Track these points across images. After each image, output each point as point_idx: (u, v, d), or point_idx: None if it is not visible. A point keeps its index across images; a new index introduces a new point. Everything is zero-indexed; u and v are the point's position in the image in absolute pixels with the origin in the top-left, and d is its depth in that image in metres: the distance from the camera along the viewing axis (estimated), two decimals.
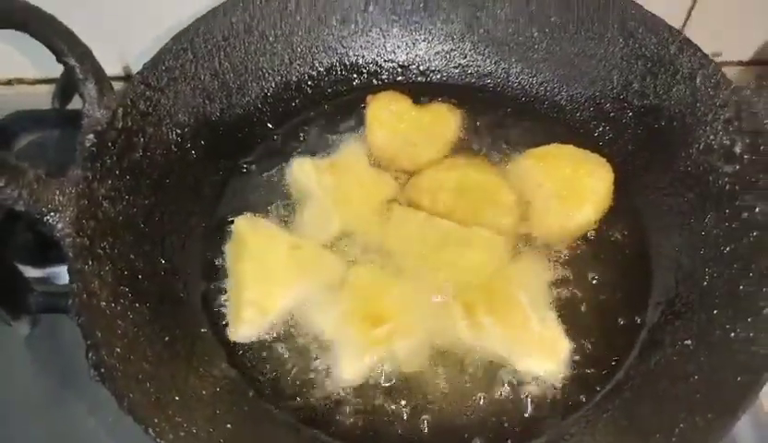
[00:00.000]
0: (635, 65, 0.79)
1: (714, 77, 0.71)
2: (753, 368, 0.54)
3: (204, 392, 0.61)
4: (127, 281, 0.63)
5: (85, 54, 0.66)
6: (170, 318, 0.66)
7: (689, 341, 0.63)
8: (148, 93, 0.72)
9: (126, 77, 1.01)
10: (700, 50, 0.74)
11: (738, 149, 0.68)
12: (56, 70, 1.00)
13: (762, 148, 0.65)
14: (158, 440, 0.50)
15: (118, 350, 0.56)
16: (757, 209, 0.64)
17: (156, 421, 0.51)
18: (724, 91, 0.70)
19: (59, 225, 0.59)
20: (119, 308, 0.60)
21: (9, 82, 1.03)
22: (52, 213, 0.59)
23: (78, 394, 0.75)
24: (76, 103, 0.89)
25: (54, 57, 0.97)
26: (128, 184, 0.68)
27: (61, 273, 0.81)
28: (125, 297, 0.62)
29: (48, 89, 1.01)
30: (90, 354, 0.54)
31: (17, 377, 0.79)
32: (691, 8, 0.99)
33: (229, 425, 0.57)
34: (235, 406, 0.62)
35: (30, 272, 0.80)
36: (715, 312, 0.63)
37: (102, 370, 0.53)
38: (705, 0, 0.97)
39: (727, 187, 0.68)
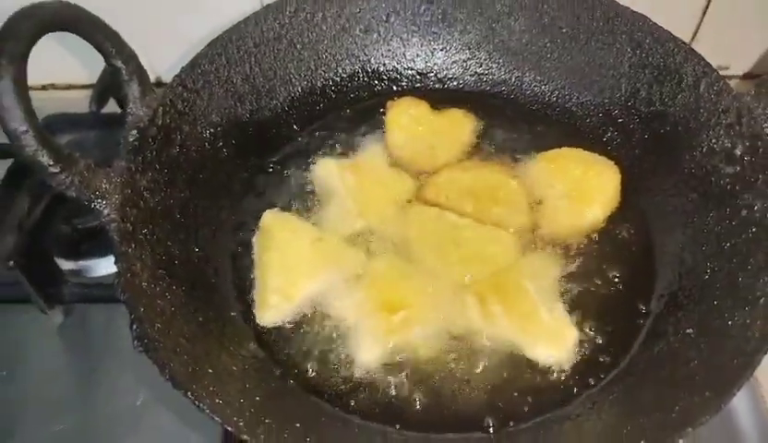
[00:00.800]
0: (642, 73, 0.82)
1: (717, 84, 0.74)
2: (748, 351, 0.57)
3: (234, 368, 0.64)
4: (165, 266, 0.67)
5: (131, 57, 0.70)
6: (202, 301, 0.69)
7: (690, 330, 0.65)
8: (185, 94, 0.76)
9: (158, 85, 1.07)
10: (703, 59, 0.76)
11: (738, 152, 0.70)
12: (88, 76, 1.06)
13: (760, 150, 0.68)
14: (196, 403, 0.53)
15: (158, 325, 0.60)
16: (755, 207, 0.66)
17: (194, 387, 0.55)
18: (725, 98, 0.73)
19: (105, 211, 0.63)
20: (158, 289, 0.64)
21: (44, 87, 1.09)
22: (99, 200, 0.63)
23: (106, 378, 0.79)
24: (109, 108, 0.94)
25: (85, 65, 1.03)
26: (166, 177, 0.72)
27: (93, 266, 0.87)
28: (162, 280, 0.65)
29: (79, 95, 1.07)
30: (134, 327, 0.57)
31: (50, 361, 0.81)
32: (699, 24, 1.02)
33: (258, 398, 0.60)
34: (263, 383, 0.65)
35: (65, 265, 0.85)
36: (716, 303, 0.65)
37: (146, 341, 0.57)
38: (713, 16, 1.00)
39: (728, 187, 0.71)
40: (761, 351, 0.56)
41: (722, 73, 1.07)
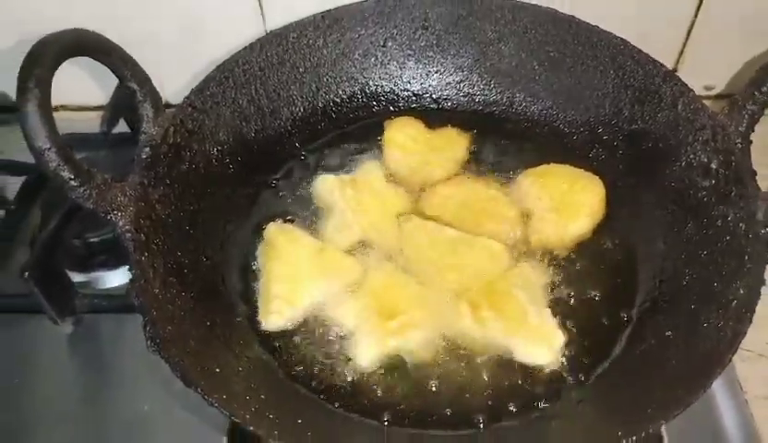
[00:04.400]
0: (625, 94, 0.84)
1: (693, 104, 0.77)
2: (720, 350, 0.60)
3: (240, 369, 0.67)
4: (175, 273, 0.70)
5: (145, 80, 0.74)
6: (210, 307, 0.72)
7: (669, 333, 0.68)
8: (194, 114, 0.80)
9: (166, 107, 1.11)
10: (680, 80, 0.79)
11: (713, 166, 0.73)
12: (98, 99, 1.09)
13: (733, 164, 0.71)
14: (205, 397, 0.57)
15: (169, 328, 0.63)
16: (729, 218, 0.69)
17: (203, 384, 0.58)
18: (701, 116, 0.76)
19: (121, 222, 0.66)
20: (168, 295, 0.67)
21: (56, 109, 1.13)
22: (115, 212, 0.66)
23: (115, 387, 0.81)
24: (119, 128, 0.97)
25: (95, 87, 1.06)
26: (177, 191, 0.75)
27: (103, 278, 0.89)
28: (173, 286, 0.69)
29: (88, 116, 1.10)
30: (147, 328, 0.61)
31: (61, 370, 0.83)
32: (684, 46, 1.05)
33: (262, 396, 0.63)
34: (267, 383, 0.68)
35: (76, 277, 0.87)
36: (693, 307, 0.68)
37: (158, 341, 0.60)
38: (697, 39, 1.03)
39: (705, 200, 0.73)
40: (731, 349, 0.59)
41: (708, 93, 1.12)
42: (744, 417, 0.77)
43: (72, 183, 0.63)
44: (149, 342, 0.61)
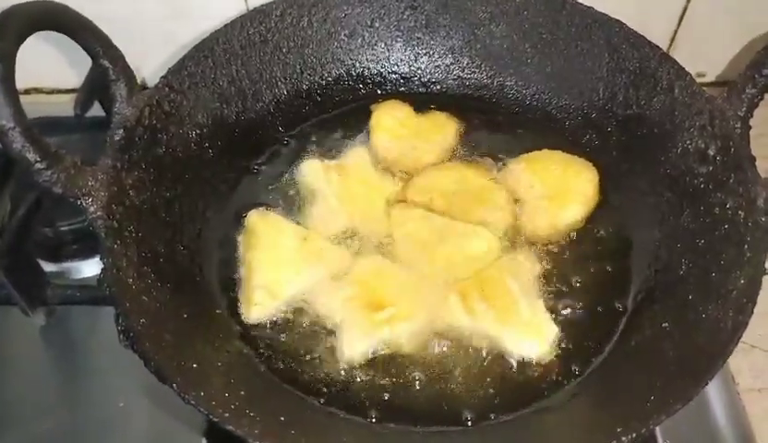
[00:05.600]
0: (619, 77, 0.83)
1: (691, 88, 0.76)
2: (720, 342, 0.58)
3: (219, 363, 0.65)
4: (150, 263, 0.67)
5: (118, 58, 0.71)
6: (188, 298, 0.69)
7: (665, 324, 0.67)
8: (171, 95, 0.77)
9: (143, 88, 1.08)
10: (677, 63, 0.78)
11: (711, 152, 0.72)
12: (72, 81, 1.06)
13: (732, 150, 0.69)
14: (180, 394, 0.54)
15: (143, 320, 0.60)
16: (727, 205, 0.68)
17: (179, 380, 0.55)
18: (699, 101, 0.74)
19: (91, 208, 0.63)
20: (143, 285, 0.64)
21: (27, 91, 1.09)
22: (85, 197, 0.63)
23: (89, 380, 0.79)
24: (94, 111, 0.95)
25: (69, 69, 1.03)
26: (152, 176, 0.72)
27: (76, 268, 0.87)
28: (148, 276, 0.66)
29: (62, 99, 1.07)
30: (119, 320, 0.58)
31: (33, 363, 0.82)
32: (676, 31, 1.04)
33: (242, 392, 0.61)
34: (248, 378, 0.66)
35: (48, 267, 0.85)
36: (690, 297, 0.67)
37: (131, 335, 0.57)
38: (689, 24, 1.02)
39: (702, 186, 0.72)
40: (732, 341, 0.58)
41: (699, 80, 1.11)
42: (736, 409, 0.77)
43: (38, 165, 0.60)
44: (121, 336, 0.58)
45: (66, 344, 0.82)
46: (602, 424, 0.59)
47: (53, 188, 0.62)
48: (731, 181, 0.69)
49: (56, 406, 0.77)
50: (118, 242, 0.64)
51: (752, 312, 0.59)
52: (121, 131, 0.70)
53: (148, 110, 0.73)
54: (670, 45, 1.06)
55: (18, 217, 0.79)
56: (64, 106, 0.96)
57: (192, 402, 0.54)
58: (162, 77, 0.77)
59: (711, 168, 0.72)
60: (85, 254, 0.87)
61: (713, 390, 0.77)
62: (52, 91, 1.10)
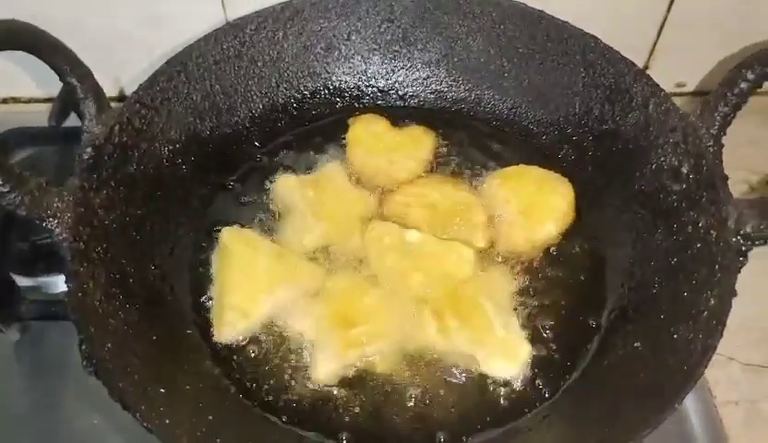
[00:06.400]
0: (595, 93, 0.83)
1: (665, 104, 0.76)
2: (691, 364, 0.58)
3: (188, 387, 0.64)
4: (119, 284, 0.67)
5: (86, 75, 0.70)
6: (158, 319, 0.69)
7: (638, 344, 0.67)
8: (142, 111, 0.76)
9: (121, 98, 1.06)
10: (651, 80, 0.78)
11: (684, 170, 0.72)
12: (50, 90, 1.05)
13: (704, 168, 0.69)
14: (144, 424, 0.53)
15: (109, 345, 0.59)
16: (700, 224, 0.68)
17: (143, 408, 0.55)
18: (673, 118, 0.74)
19: (57, 230, 0.63)
20: (111, 308, 0.64)
21: (5, 101, 1.08)
22: (51, 218, 0.63)
23: (63, 396, 0.78)
24: (70, 122, 0.94)
25: (47, 78, 1.02)
26: (122, 194, 0.72)
27: (51, 283, 0.85)
28: (116, 298, 0.65)
29: (41, 108, 1.05)
30: (83, 347, 0.57)
31: (6, 380, 0.80)
32: (655, 42, 1.04)
33: (210, 417, 0.60)
34: (217, 401, 0.65)
35: (22, 282, 0.83)
36: (662, 317, 0.67)
37: (94, 361, 0.57)
38: (669, 34, 1.03)
39: (675, 204, 0.72)
40: (702, 364, 0.58)
41: (679, 90, 1.12)
42: (713, 422, 0.77)
43: (1, 188, 0.60)
44: (84, 363, 0.57)
45: (41, 360, 0.81)
46: None
47: (17, 211, 0.61)
48: (703, 200, 0.69)
49: (30, 424, 0.77)
50: (85, 264, 0.64)
51: (722, 335, 0.59)
52: (89, 149, 0.70)
53: (118, 127, 0.72)
54: (650, 55, 1.07)
55: None
56: (41, 115, 0.97)
57: (154, 432, 0.53)
58: (132, 92, 0.77)
59: (684, 186, 0.72)
60: (60, 269, 0.83)
61: (690, 403, 0.77)
62: (29, 100, 1.09)
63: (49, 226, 0.63)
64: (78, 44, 0.73)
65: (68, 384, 0.79)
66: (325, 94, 0.93)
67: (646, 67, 1.08)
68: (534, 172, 0.84)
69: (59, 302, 0.82)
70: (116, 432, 0.74)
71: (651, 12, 1.01)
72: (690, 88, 1.12)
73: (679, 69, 1.09)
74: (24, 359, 0.82)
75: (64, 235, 0.63)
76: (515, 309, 0.74)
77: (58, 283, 0.86)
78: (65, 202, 0.64)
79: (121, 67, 1.02)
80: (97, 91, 0.71)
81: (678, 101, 1.10)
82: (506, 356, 0.70)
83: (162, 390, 0.60)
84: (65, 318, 0.79)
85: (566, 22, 0.85)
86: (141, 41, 0.98)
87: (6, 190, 0.60)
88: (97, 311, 0.62)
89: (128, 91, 1.06)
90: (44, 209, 0.62)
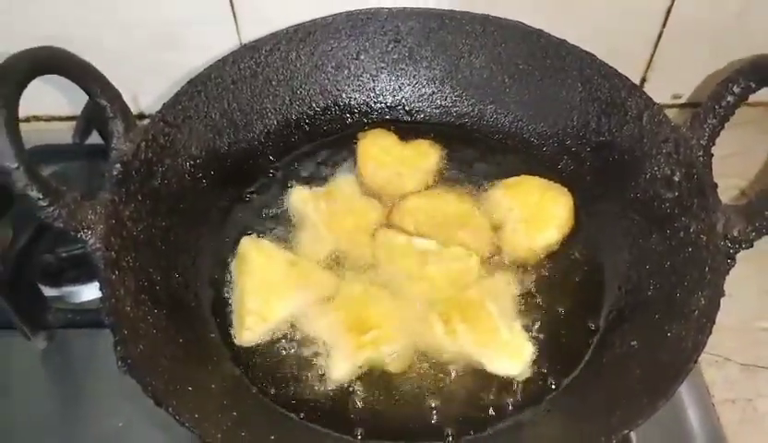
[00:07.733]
0: (592, 107, 0.86)
1: (657, 116, 0.78)
2: (682, 360, 0.61)
3: (213, 386, 0.67)
4: (147, 291, 0.70)
5: (115, 96, 0.73)
6: (183, 324, 0.72)
7: (634, 342, 0.70)
8: (166, 129, 0.79)
9: (140, 117, 1.10)
10: (645, 93, 0.81)
11: (676, 179, 0.75)
12: (68, 109, 1.09)
13: (695, 177, 0.72)
14: (175, 417, 0.57)
15: (141, 347, 0.63)
16: (691, 229, 0.71)
17: (174, 403, 0.58)
18: (665, 129, 0.77)
19: (91, 240, 0.66)
20: (140, 313, 0.67)
21: (27, 119, 1.12)
22: (85, 230, 0.65)
23: (89, 402, 0.81)
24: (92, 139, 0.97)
25: (67, 98, 1.06)
26: (148, 207, 0.75)
27: (76, 292, 0.89)
28: (144, 304, 0.68)
29: (61, 126, 1.10)
30: (117, 348, 0.61)
31: (33, 386, 0.84)
32: (652, 56, 1.08)
33: (235, 413, 0.64)
34: (240, 399, 0.68)
35: (49, 292, 0.87)
36: (657, 317, 0.70)
37: (129, 361, 0.60)
38: (665, 48, 1.06)
39: (668, 211, 0.75)
40: (692, 359, 0.61)
41: (675, 101, 1.15)
42: (711, 421, 0.80)
43: (41, 202, 0.62)
44: (119, 363, 0.60)
45: (67, 367, 0.85)
46: (573, 438, 0.62)
47: (54, 223, 0.64)
48: (694, 206, 0.72)
49: (57, 428, 0.79)
50: (116, 272, 0.67)
51: (711, 331, 0.62)
52: (118, 165, 0.73)
53: (144, 144, 0.76)
54: (647, 68, 1.10)
55: (20, 245, 0.82)
56: (62, 134, 1.00)
57: (187, 425, 0.57)
58: (157, 112, 0.80)
59: (676, 193, 0.75)
60: (85, 279, 0.89)
61: (688, 402, 0.80)
62: (50, 119, 1.13)
63: (83, 237, 0.66)
64: (104, 69, 0.75)
65: (93, 389, 0.82)
66: (336, 110, 0.96)
67: (644, 80, 1.11)
68: (536, 182, 0.87)
69: (84, 310, 0.87)
70: (140, 436, 0.77)
71: (647, 26, 1.04)
72: (686, 99, 1.14)
73: (675, 82, 1.12)
74: (50, 366, 0.85)
75: (97, 245, 0.66)
76: (518, 312, 0.77)
77: (83, 293, 0.90)
78: (97, 215, 0.67)
79: (140, 89, 1.06)
80: (125, 111, 0.74)
81: (674, 111, 1.15)
82: (510, 356, 0.73)
83: (189, 388, 0.63)
84: (89, 326, 0.85)
85: (563, 40, 0.88)
86: (161, 65, 1.02)
87: (45, 204, 0.62)
88: (128, 316, 0.65)
89: (147, 113, 1.10)
90: (79, 222, 0.65)
